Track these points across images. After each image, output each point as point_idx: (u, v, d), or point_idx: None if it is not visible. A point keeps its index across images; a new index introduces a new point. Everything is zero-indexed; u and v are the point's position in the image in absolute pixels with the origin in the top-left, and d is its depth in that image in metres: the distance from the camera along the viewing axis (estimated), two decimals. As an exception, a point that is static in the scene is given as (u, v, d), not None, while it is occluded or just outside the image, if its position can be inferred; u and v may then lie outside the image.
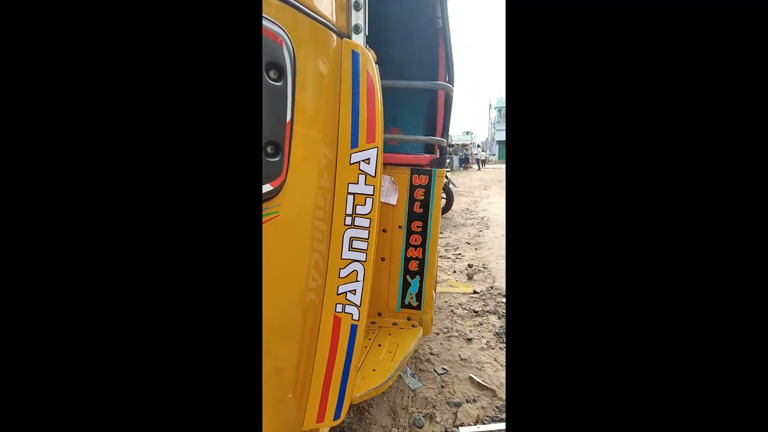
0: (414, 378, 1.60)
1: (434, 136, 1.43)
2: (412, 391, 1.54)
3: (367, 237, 0.69)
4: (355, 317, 0.71)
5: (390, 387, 1.55)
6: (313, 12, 0.55)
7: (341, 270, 0.70)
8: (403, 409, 1.45)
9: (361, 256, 0.70)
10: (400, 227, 1.26)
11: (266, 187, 0.51)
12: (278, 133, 0.50)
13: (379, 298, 1.30)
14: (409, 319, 1.38)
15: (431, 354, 1.77)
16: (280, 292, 0.61)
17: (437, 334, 1.95)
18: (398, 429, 1.36)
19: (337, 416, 0.76)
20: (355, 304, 0.71)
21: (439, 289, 2.46)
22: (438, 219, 1.22)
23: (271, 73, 0.49)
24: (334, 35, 0.62)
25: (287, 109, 0.51)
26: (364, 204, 0.67)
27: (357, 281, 0.70)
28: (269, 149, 0.50)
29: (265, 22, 0.48)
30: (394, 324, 1.38)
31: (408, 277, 1.32)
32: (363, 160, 0.66)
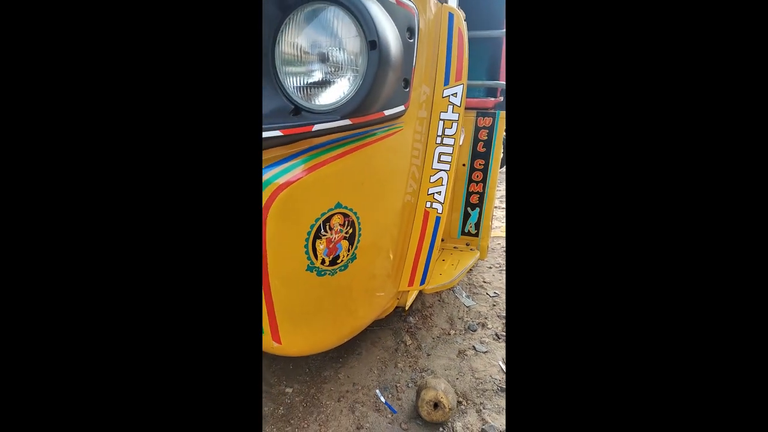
0: (468, 298, 1.90)
1: (498, 80, 1.63)
2: (467, 307, 1.84)
3: (451, 152, 0.96)
4: (440, 211, 1.00)
5: (447, 302, 1.87)
6: (427, -13, 0.80)
7: (431, 177, 0.98)
8: (459, 318, 1.76)
9: (446, 167, 0.97)
10: (464, 165, 1.50)
11: (401, 108, 0.78)
12: (409, 74, 0.77)
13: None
14: (467, 244, 1.65)
15: (484, 282, 2.05)
16: (390, 193, 0.90)
17: (489, 267, 2.22)
18: (455, 331, 1.68)
19: (422, 283, 1.08)
20: (439, 202, 0.99)
21: (492, 234, 2.70)
22: (498, 157, 1.45)
23: (407, 34, 0.74)
24: (439, 2, 0.86)
25: (414, 58, 0.77)
26: (451, 127, 0.94)
27: (442, 185, 0.98)
28: (404, 83, 0.77)
29: (402, -1, 0.73)
30: (455, 248, 1.66)
31: (468, 208, 1.58)
32: (452, 94, 0.91)
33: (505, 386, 1.37)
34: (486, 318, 1.74)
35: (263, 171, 0.67)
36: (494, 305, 1.83)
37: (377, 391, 1.36)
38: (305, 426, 1.23)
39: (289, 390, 1.36)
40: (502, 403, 1.31)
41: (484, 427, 1.20)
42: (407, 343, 1.59)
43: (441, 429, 1.21)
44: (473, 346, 1.57)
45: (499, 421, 1.23)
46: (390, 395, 1.35)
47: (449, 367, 1.48)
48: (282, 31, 0.60)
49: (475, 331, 1.67)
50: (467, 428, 1.21)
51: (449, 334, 1.66)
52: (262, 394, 1.33)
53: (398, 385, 1.39)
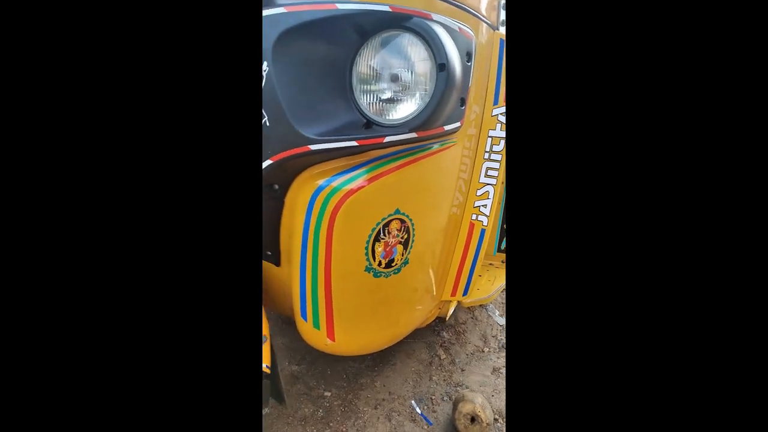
0: (501, 317, 1.90)
1: None
2: (500, 326, 1.84)
3: (498, 167, 1.01)
4: (485, 224, 1.05)
5: (480, 320, 1.87)
6: (484, 17, 0.88)
7: (478, 190, 1.03)
8: (493, 336, 1.76)
9: (493, 181, 1.02)
10: (503, 183, 1.54)
11: (457, 124, 0.85)
12: (465, 94, 0.84)
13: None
14: (503, 261, 1.67)
15: (517, 302, 2.04)
16: (440, 203, 0.95)
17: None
18: (489, 349, 1.68)
19: (464, 294, 1.11)
20: (485, 215, 1.04)
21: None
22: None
23: (466, 58, 0.82)
24: (492, 29, 0.94)
25: (470, 79, 0.84)
26: (498, 144, 0.99)
27: (488, 198, 1.03)
28: (461, 102, 0.83)
29: (461, 26, 0.81)
30: (490, 264, 1.68)
31: (505, 226, 1.60)
32: (500, 113, 0.97)
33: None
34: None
35: (334, 178, 0.74)
36: (529, 325, 1.82)
37: (413, 401, 1.38)
38: (344, 430, 1.26)
39: (327, 393, 1.39)
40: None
41: (521, 444, 1.19)
42: (441, 357, 1.61)
43: (478, 442, 1.21)
44: (508, 364, 1.56)
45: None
46: (425, 407, 1.36)
47: (484, 384, 1.47)
48: (360, 54, 0.68)
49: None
50: (505, 444, 1.21)
51: (483, 351, 1.66)
52: (303, 396, 1.37)
53: (433, 397, 1.41)
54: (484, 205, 1.03)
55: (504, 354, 1.64)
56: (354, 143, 0.68)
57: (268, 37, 0.63)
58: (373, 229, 0.78)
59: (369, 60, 0.68)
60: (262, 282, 0.95)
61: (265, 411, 0.95)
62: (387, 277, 0.85)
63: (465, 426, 1.20)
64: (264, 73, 0.65)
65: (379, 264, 0.82)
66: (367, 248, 0.79)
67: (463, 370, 1.55)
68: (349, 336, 0.91)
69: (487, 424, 1.19)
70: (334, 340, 0.89)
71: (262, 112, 0.69)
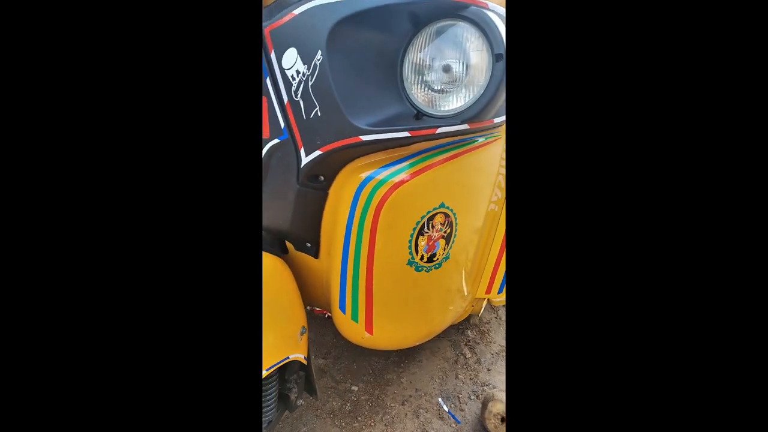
0: (527, 317, 1.87)
1: None
2: (526, 326, 1.81)
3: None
4: (523, 221, 1.03)
5: (504, 320, 1.84)
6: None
7: (517, 187, 1.02)
8: (519, 336, 1.73)
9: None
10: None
11: (503, 117, 0.82)
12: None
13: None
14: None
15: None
16: (481, 198, 0.94)
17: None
18: (515, 349, 1.66)
19: (499, 292, 1.10)
20: (524, 212, 1.02)
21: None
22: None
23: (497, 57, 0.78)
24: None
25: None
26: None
27: (528, 195, 1.01)
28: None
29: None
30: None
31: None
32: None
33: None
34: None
35: (380, 170, 0.73)
36: (556, 326, 1.79)
37: (440, 399, 1.37)
38: (372, 424, 1.26)
39: (354, 388, 1.39)
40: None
41: (554, 446, 1.17)
42: (466, 356, 1.59)
43: (508, 443, 1.19)
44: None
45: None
46: (452, 405, 1.35)
47: (512, 384, 1.45)
48: (413, 44, 0.67)
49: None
50: (536, 445, 1.18)
51: (510, 351, 1.64)
52: (330, 390, 1.38)
53: (460, 396, 1.39)
54: (524, 202, 1.02)
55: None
56: (406, 134, 0.67)
57: (323, 25, 0.63)
58: (418, 222, 0.77)
59: (422, 50, 0.67)
60: (299, 274, 0.95)
61: (299, 402, 0.95)
62: (428, 272, 0.84)
63: (495, 426, 1.18)
64: (317, 62, 0.64)
65: (422, 258, 0.82)
66: (410, 241, 0.78)
67: (489, 370, 1.53)
68: (387, 330, 0.90)
69: (519, 424, 1.17)
70: (372, 333, 0.88)
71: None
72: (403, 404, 1.34)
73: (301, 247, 0.91)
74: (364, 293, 0.84)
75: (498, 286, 1.09)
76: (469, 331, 1.72)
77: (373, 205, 0.74)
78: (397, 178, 0.73)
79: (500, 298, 1.22)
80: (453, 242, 0.86)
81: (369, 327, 0.88)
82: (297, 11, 0.64)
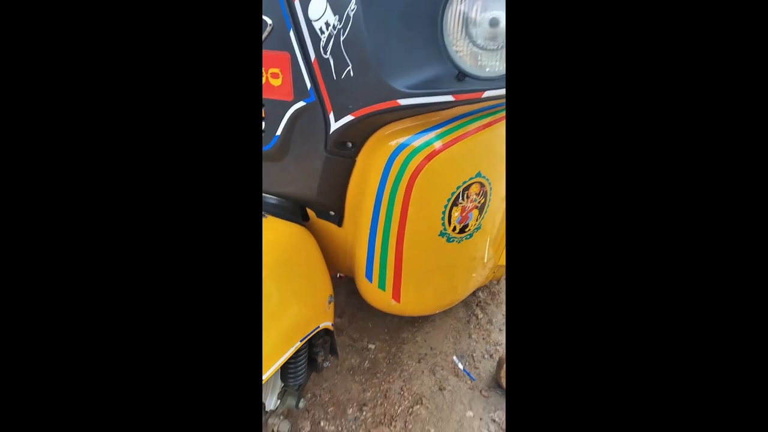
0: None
1: None
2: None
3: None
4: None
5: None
6: None
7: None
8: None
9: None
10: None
11: None
12: None
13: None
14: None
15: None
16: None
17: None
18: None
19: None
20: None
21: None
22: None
23: None
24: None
25: None
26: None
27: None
28: None
29: None
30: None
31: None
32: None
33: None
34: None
35: (415, 137, 0.68)
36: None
37: (455, 357, 1.41)
38: (391, 381, 1.30)
39: (371, 346, 1.43)
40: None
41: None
42: (479, 317, 1.62)
43: (522, 400, 1.24)
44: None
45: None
46: (467, 363, 1.39)
47: (525, 343, 1.49)
48: (455, -7, 0.58)
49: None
50: (549, 402, 1.23)
51: (522, 311, 1.66)
52: (348, 348, 1.41)
53: (474, 354, 1.43)
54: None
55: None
56: (450, 98, 0.60)
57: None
58: (453, 193, 0.73)
59: (464, 2, 0.58)
60: (321, 241, 0.92)
61: (326, 365, 0.97)
62: (459, 242, 0.81)
63: (510, 384, 1.22)
64: (350, 13, 0.56)
65: (453, 229, 0.78)
66: (444, 213, 0.75)
67: (501, 330, 1.56)
68: (414, 298, 0.89)
69: (533, 383, 1.21)
70: (399, 301, 0.88)
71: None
72: (419, 362, 1.38)
73: (323, 215, 0.88)
74: (393, 264, 0.81)
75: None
76: (480, 292, 1.74)
77: (406, 175, 0.69)
78: (432, 147, 0.67)
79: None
80: (486, 212, 0.82)
81: (396, 296, 0.87)
82: None
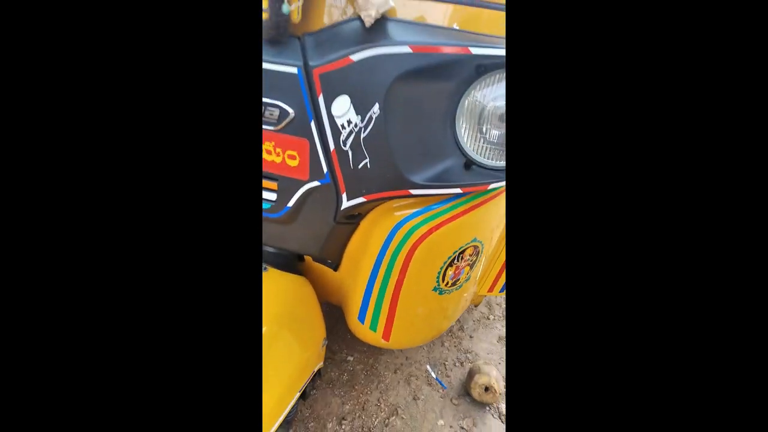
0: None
1: None
2: (501, 292, 1.98)
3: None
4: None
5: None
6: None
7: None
8: (497, 304, 1.90)
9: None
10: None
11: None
12: None
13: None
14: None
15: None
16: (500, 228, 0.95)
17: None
18: (494, 316, 1.82)
19: (501, 290, 1.18)
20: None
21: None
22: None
23: None
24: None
25: None
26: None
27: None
28: None
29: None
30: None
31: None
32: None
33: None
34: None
35: (416, 213, 0.72)
36: (529, 294, 1.97)
37: (428, 366, 1.52)
38: (368, 392, 1.40)
39: (350, 358, 1.51)
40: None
41: (525, 410, 1.37)
42: (451, 324, 1.74)
43: (488, 408, 1.39)
44: (512, 333, 1.72)
45: (538, 406, 1.40)
46: (439, 372, 1.51)
47: (491, 352, 1.64)
48: (472, 88, 0.61)
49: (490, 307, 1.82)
50: (511, 410, 1.39)
51: (488, 319, 1.81)
52: (328, 361, 1.48)
53: (446, 363, 1.56)
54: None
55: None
56: (458, 190, 0.65)
57: (384, 77, 0.55)
58: (450, 257, 0.79)
59: (480, 97, 0.62)
60: (314, 277, 0.96)
61: (313, 393, 1.03)
62: (449, 293, 0.89)
63: (479, 394, 1.36)
64: (373, 115, 0.58)
65: (446, 284, 0.85)
66: (439, 273, 0.81)
67: (471, 337, 1.70)
68: (403, 338, 0.97)
69: (500, 393, 1.35)
70: (388, 341, 0.95)
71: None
72: (395, 372, 1.49)
73: (321, 262, 0.91)
74: (386, 313, 0.87)
75: (501, 286, 1.17)
76: (451, 298, 1.86)
77: (408, 244, 0.74)
78: (434, 223, 0.72)
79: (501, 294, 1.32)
80: (476, 267, 0.89)
81: (387, 336, 0.94)
82: (355, 57, 0.55)
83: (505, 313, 1.85)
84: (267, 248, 0.88)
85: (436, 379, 1.48)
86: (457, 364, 1.56)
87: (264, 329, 0.70)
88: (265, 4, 0.56)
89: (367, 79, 0.56)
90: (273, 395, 0.71)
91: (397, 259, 0.77)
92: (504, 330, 1.75)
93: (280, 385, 0.74)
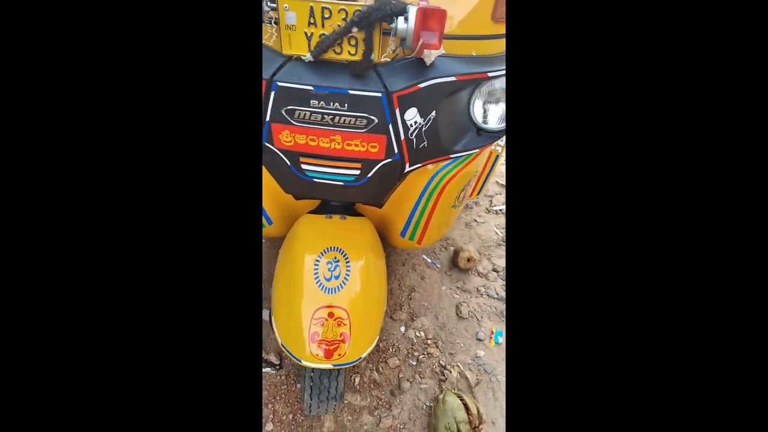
0: (461, 183, 2.57)
1: None
2: (461, 190, 2.52)
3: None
4: (499, 151, 1.55)
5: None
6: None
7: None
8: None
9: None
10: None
11: None
12: None
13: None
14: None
15: (469, 169, 2.73)
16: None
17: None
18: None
19: (478, 194, 1.70)
20: (500, 145, 1.53)
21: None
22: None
23: None
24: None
25: None
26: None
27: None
28: None
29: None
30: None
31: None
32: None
33: (502, 242, 2.19)
34: (477, 197, 2.48)
35: (444, 166, 1.13)
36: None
37: (423, 256, 2.09)
38: (390, 282, 1.94)
39: (370, 263, 2.01)
40: (501, 252, 2.14)
41: (494, 267, 2.04)
42: (429, 221, 2.28)
43: (470, 271, 2.02)
44: (474, 219, 2.33)
45: (501, 264, 2.07)
46: (432, 256, 2.09)
47: (463, 235, 2.24)
48: (479, 88, 0.98)
49: (471, 208, 2.41)
50: (485, 268, 2.04)
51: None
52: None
53: (435, 250, 2.13)
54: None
55: (469, 210, 2.40)
56: (476, 150, 1.07)
57: (439, 95, 0.88)
58: (463, 186, 1.24)
59: (484, 89, 1.00)
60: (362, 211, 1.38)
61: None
62: (456, 208, 1.36)
63: (464, 264, 1.98)
64: (431, 116, 0.94)
65: (458, 201, 1.32)
66: (456, 197, 1.27)
67: (453, 229, 2.27)
68: (428, 240, 1.45)
69: (477, 260, 1.98)
70: (420, 244, 1.44)
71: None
72: (403, 265, 2.03)
73: (372, 204, 1.31)
74: (422, 227, 1.33)
75: (477, 190, 1.68)
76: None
77: (441, 185, 1.17)
78: (456, 170, 1.15)
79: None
80: (467, 189, 1.37)
81: (420, 241, 1.42)
82: (422, 85, 0.87)
83: (465, 204, 2.43)
84: (333, 202, 1.25)
85: (432, 262, 2.07)
86: (442, 249, 2.15)
87: (368, 259, 1.13)
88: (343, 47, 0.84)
89: (429, 97, 0.90)
90: (379, 310, 1.16)
91: (434, 192, 1.19)
92: (468, 218, 2.35)
93: (381, 301, 1.19)
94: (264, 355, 1.53)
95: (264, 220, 1.33)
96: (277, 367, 1.51)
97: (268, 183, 1.16)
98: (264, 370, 1.50)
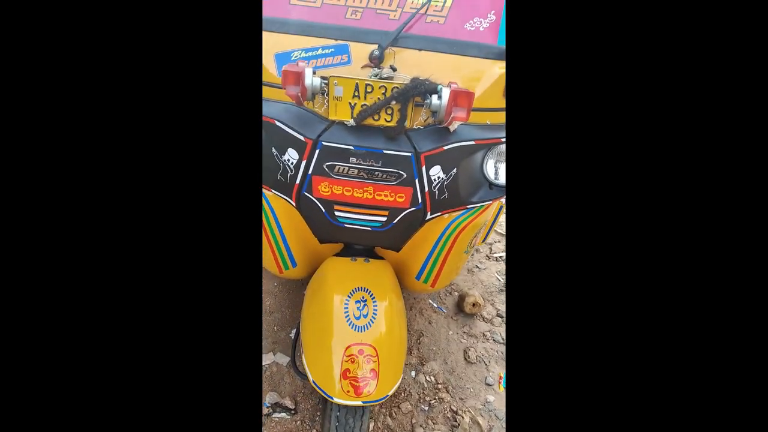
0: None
1: None
2: (462, 238, 2.66)
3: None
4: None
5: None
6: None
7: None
8: (460, 247, 2.59)
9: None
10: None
11: None
12: None
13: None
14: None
15: (468, 218, 2.90)
16: None
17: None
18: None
19: (483, 240, 1.83)
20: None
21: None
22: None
23: None
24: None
25: None
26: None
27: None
28: None
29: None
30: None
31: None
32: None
33: (503, 288, 2.29)
34: (478, 246, 2.61)
35: (460, 215, 1.27)
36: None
37: (429, 300, 2.17)
38: (400, 327, 1.99)
39: (379, 308, 2.07)
40: (503, 298, 2.23)
41: (498, 312, 2.12)
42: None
43: (476, 316, 2.10)
44: (476, 265, 2.45)
45: (503, 309, 2.16)
46: (438, 301, 2.17)
47: (466, 281, 2.34)
48: (492, 149, 1.15)
49: (473, 255, 2.54)
50: (489, 314, 2.12)
51: (458, 259, 2.49)
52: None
53: (440, 295, 2.22)
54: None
55: (471, 258, 2.51)
56: (489, 201, 1.22)
57: (460, 156, 1.03)
58: (475, 234, 1.37)
59: (496, 150, 1.17)
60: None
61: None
62: (467, 253, 1.48)
63: (470, 309, 2.05)
64: (452, 173, 1.09)
65: (469, 247, 1.45)
66: (468, 244, 1.39)
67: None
68: (441, 284, 1.55)
69: (482, 306, 2.07)
70: (434, 287, 1.53)
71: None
72: (410, 309, 2.10)
73: (391, 249, 1.43)
74: (436, 271, 1.44)
75: (482, 238, 1.81)
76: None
77: (456, 232, 1.29)
78: (469, 219, 1.29)
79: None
80: (478, 237, 1.50)
81: (433, 285, 1.52)
82: (446, 147, 1.03)
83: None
84: (357, 246, 1.36)
85: (438, 307, 2.14)
86: (447, 294, 2.24)
87: (392, 300, 1.22)
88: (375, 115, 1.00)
89: (452, 157, 1.06)
90: (402, 348, 1.24)
91: (450, 239, 1.32)
92: (470, 264, 2.46)
93: (404, 340, 1.27)
94: (279, 400, 1.55)
95: (288, 262, 1.42)
96: (293, 411, 1.52)
97: (297, 227, 1.28)
98: (279, 414, 1.50)
